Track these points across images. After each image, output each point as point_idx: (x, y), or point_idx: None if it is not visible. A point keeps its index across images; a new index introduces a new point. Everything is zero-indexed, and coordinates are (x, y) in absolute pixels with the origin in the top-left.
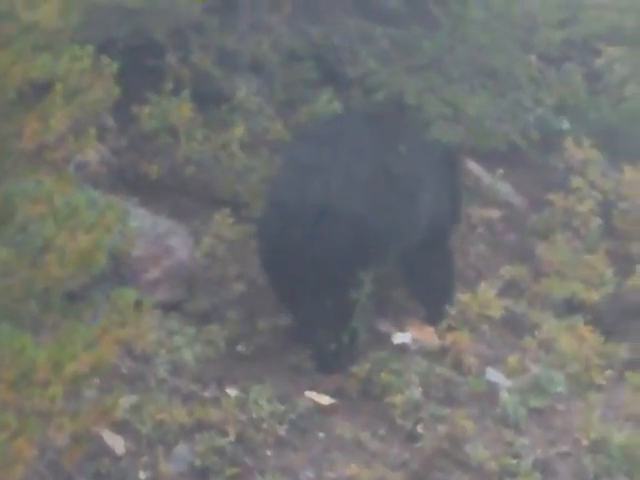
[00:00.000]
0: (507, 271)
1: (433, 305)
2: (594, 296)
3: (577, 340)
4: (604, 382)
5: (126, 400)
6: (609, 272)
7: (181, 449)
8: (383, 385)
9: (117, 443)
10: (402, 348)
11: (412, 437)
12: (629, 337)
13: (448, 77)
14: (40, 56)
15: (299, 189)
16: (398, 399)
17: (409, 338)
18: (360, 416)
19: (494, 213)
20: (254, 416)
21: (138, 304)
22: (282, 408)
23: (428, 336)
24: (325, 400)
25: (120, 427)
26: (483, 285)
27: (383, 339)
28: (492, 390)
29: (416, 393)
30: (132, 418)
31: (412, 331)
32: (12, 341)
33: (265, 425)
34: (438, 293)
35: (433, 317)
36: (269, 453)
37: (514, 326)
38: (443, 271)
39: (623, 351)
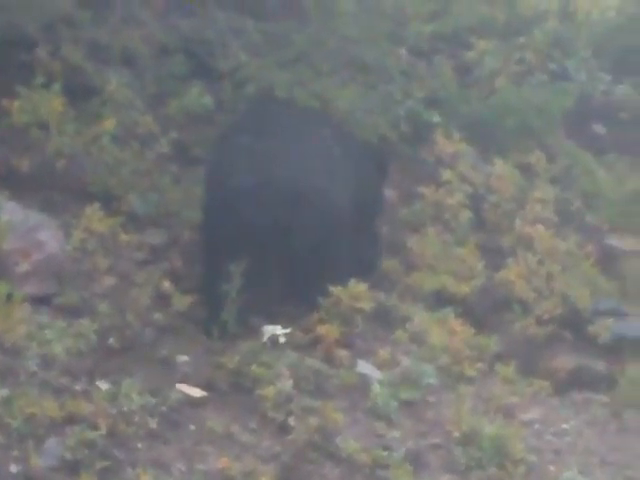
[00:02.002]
0: None
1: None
2: (465, 289)
3: (448, 333)
4: (475, 374)
5: None
6: (479, 265)
7: (52, 443)
8: (254, 378)
9: None
10: (273, 340)
11: (283, 429)
12: (499, 330)
13: (318, 70)
14: None
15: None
16: (269, 391)
17: (280, 330)
18: (231, 409)
19: None
20: (125, 409)
21: (8, 297)
22: (153, 401)
23: (299, 328)
24: (196, 392)
25: None
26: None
27: (253, 331)
28: (363, 383)
29: (287, 385)
30: (2, 412)
31: (283, 323)
32: None
33: (136, 418)
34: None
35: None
36: (140, 446)
37: (385, 319)
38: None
39: (493, 343)
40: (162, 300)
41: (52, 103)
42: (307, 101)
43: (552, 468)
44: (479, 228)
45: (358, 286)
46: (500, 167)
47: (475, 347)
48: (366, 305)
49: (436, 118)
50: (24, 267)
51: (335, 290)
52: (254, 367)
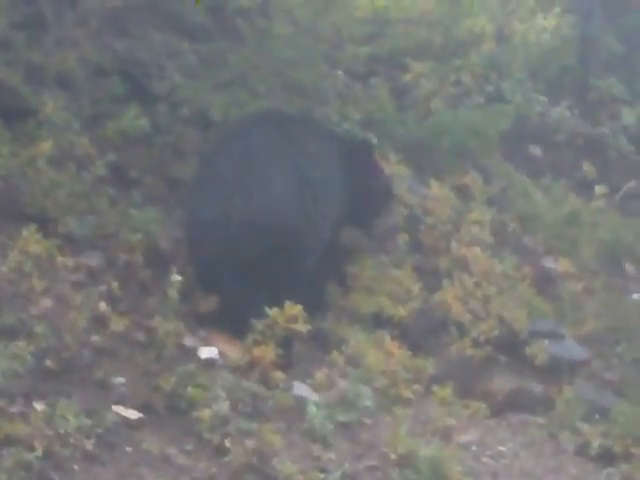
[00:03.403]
0: None
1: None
2: (401, 311)
3: (384, 355)
4: (411, 396)
5: None
6: (416, 287)
7: None
8: (190, 400)
9: None
10: (209, 362)
11: (220, 452)
12: (436, 352)
13: (254, 92)
14: None
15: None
16: (205, 414)
17: (216, 352)
18: (167, 431)
19: None
20: (61, 431)
21: None
22: (89, 422)
23: (235, 350)
24: (132, 414)
25: None
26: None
27: (189, 353)
28: (299, 405)
29: (223, 407)
30: None
31: (219, 345)
32: None
33: (72, 440)
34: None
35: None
36: (76, 468)
37: (322, 341)
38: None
39: (430, 366)
40: (99, 322)
41: None
42: None
43: None
44: (415, 250)
45: (294, 307)
46: (436, 189)
47: (412, 369)
48: (302, 327)
49: (372, 140)
50: None
51: (271, 312)
52: (190, 389)
